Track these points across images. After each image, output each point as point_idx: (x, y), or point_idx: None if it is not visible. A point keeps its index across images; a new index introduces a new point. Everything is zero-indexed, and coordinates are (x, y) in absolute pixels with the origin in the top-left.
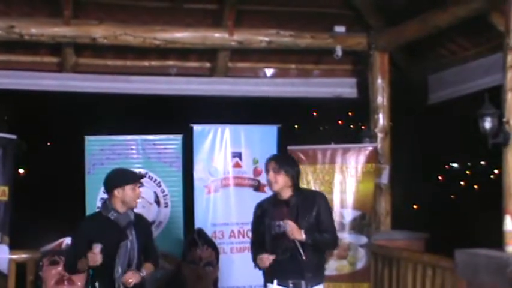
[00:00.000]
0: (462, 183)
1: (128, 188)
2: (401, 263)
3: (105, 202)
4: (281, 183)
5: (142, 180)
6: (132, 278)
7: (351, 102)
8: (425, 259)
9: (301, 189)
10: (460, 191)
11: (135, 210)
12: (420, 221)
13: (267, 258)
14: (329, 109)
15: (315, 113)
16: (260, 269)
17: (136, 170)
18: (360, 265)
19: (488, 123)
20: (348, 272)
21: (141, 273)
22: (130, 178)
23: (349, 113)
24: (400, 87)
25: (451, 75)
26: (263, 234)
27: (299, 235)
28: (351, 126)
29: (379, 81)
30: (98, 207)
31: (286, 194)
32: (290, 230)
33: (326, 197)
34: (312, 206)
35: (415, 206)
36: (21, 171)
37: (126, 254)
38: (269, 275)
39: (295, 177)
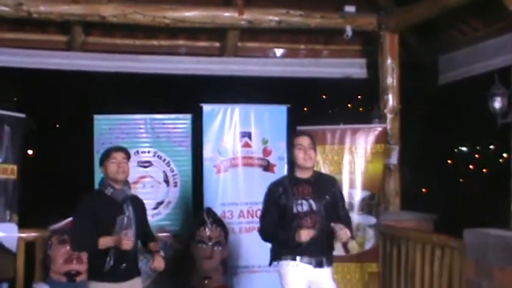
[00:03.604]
0: (471, 166)
1: (108, 164)
2: (410, 243)
3: (102, 179)
4: (314, 159)
5: (151, 160)
6: (161, 264)
7: (360, 84)
8: (434, 239)
9: (317, 171)
10: (468, 174)
11: (144, 189)
12: (429, 203)
13: (308, 233)
14: (339, 92)
15: (324, 96)
16: (278, 247)
17: (145, 149)
18: (368, 245)
19: (498, 103)
20: (357, 252)
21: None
22: (106, 154)
23: (359, 96)
24: (410, 67)
25: (462, 56)
26: (284, 214)
27: (347, 235)
28: (361, 109)
29: (389, 61)
30: None
31: (309, 173)
32: (342, 233)
33: (339, 183)
34: (329, 188)
35: (423, 190)
36: (30, 152)
37: (122, 228)
38: (290, 252)
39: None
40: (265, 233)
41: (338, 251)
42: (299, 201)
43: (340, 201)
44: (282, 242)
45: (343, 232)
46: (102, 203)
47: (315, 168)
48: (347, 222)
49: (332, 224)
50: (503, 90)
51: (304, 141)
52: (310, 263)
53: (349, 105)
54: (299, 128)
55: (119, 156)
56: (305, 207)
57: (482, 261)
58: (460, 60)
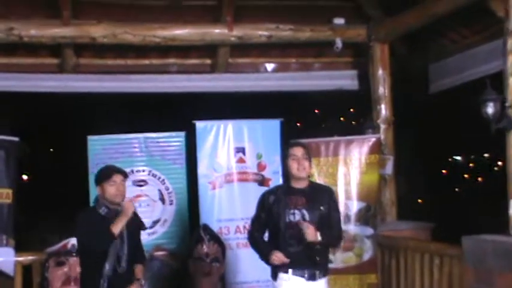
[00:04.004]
0: (466, 175)
1: (106, 185)
2: (408, 252)
3: (96, 198)
4: (308, 170)
5: (147, 179)
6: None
7: (352, 97)
8: (432, 248)
9: (313, 182)
10: (463, 183)
11: (140, 208)
12: (425, 213)
13: (279, 258)
14: (331, 106)
15: (316, 110)
16: (269, 264)
17: (140, 168)
18: (366, 256)
19: (490, 109)
20: (355, 263)
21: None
22: (105, 174)
23: (351, 109)
24: (401, 77)
25: (452, 64)
26: (275, 223)
27: (315, 237)
28: (353, 122)
29: (380, 72)
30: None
31: (304, 183)
32: (308, 233)
33: (335, 194)
34: (324, 199)
35: (419, 200)
36: (25, 177)
37: (115, 250)
38: (282, 265)
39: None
40: (252, 239)
41: (336, 263)
42: (291, 211)
43: (334, 212)
44: (261, 255)
45: (309, 231)
46: (95, 223)
47: (311, 179)
48: (332, 232)
49: (299, 222)
50: (495, 95)
51: (298, 151)
52: (302, 276)
53: (341, 118)
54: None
55: (118, 178)
56: (297, 217)
57: (482, 268)
58: (451, 68)
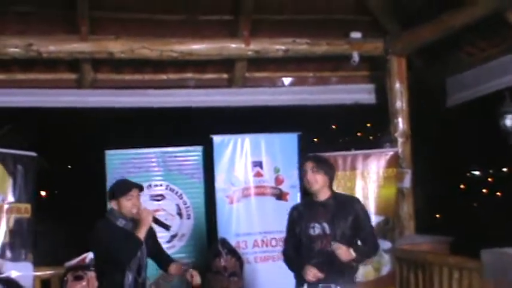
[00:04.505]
0: (484, 190)
1: (122, 200)
2: (427, 266)
3: (111, 210)
4: (321, 182)
5: (164, 193)
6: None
7: (369, 112)
8: (450, 261)
9: (338, 193)
10: (482, 198)
11: None
12: (442, 228)
13: (314, 274)
14: (348, 121)
15: (334, 126)
16: (296, 273)
17: (158, 183)
18: (385, 270)
19: (509, 121)
20: (374, 278)
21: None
22: (123, 189)
23: (368, 124)
24: (419, 91)
25: (469, 77)
26: (299, 237)
27: (349, 256)
28: (370, 137)
29: (398, 85)
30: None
31: (324, 195)
32: (340, 253)
33: (362, 203)
34: (349, 212)
35: (437, 215)
36: (43, 193)
37: (136, 261)
38: (300, 277)
39: (332, 179)
40: (286, 257)
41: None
42: (311, 224)
43: (363, 221)
44: (295, 271)
45: (341, 251)
46: (117, 232)
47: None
48: (367, 243)
49: (332, 243)
50: None
51: (307, 166)
52: None
53: (358, 133)
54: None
55: (135, 193)
56: (317, 231)
57: (502, 281)
58: (468, 81)
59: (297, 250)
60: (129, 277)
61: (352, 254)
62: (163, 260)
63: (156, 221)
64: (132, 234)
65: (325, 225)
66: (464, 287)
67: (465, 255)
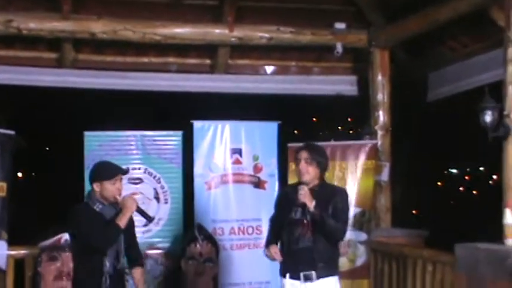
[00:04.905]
0: (461, 188)
1: (106, 183)
2: (401, 259)
3: (89, 193)
4: (312, 174)
5: (142, 177)
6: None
7: (350, 105)
8: (425, 254)
9: (327, 182)
10: (459, 195)
11: None
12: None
13: (276, 253)
14: (329, 114)
15: (314, 119)
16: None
17: (136, 166)
18: (359, 262)
19: (488, 117)
20: (348, 268)
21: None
22: (108, 173)
23: (349, 119)
24: (401, 84)
25: (451, 72)
26: (282, 219)
27: (309, 202)
28: (351, 131)
29: (380, 78)
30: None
31: (313, 182)
32: (303, 194)
33: (347, 195)
34: (330, 199)
35: (414, 212)
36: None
37: (114, 247)
38: (282, 267)
39: (325, 169)
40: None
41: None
42: (295, 208)
43: (340, 209)
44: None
45: (303, 192)
46: (94, 219)
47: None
48: (338, 220)
49: (299, 186)
50: (493, 103)
51: (302, 155)
52: (298, 278)
53: (339, 127)
54: (290, 144)
55: (119, 177)
56: (298, 215)
57: (474, 275)
58: (450, 76)
59: (278, 237)
60: (107, 264)
61: (313, 203)
62: (132, 256)
63: (140, 210)
64: (113, 222)
65: (307, 210)
66: (437, 280)
67: (439, 249)
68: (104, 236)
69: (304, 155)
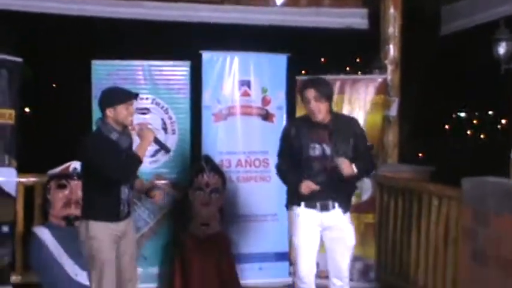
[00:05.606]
0: (469, 132)
1: (120, 107)
2: (407, 193)
3: (103, 121)
4: (324, 111)
5: (150, 107)
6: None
7: (359, 44)
8: (431, 188)
9: (336, 113)
10: (466, 139)
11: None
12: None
13: (308, 186)
14: (337, 54)
15: (323, 59)
16: (294, 192)
17: (144, 96)
18: (365, 196)
19: (502, 49)
20: (354, 203)
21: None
22: (122, 97)
23: (357, 60)
24: (413, 18)
25: (465, 5)
26: (297, 157)
27: (352, 170)
28: (359, 72)
29: (392, 10)
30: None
31: (326, 118)
32: (344, 167)
33: (359, 122)
34: (349, 131)
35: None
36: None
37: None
38: (296, 197)
39: (332, 101)
40: (280, 172)
41: None
42: (312, 145)
43: (360, 141)
44: (290, 186)
45: (345, 166)
46: (111, 149)
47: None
48: (365, 161)
49: (335, 159)
50: (508, 35)
51: (309, 93)
52: (314, 207)
53: (347, 68)
54: (298, 77)
55: (132, 101)
56: (317, 152)
57: (480, 209)
58: (463, 10)
59: (293, 165)
60: (126, 191)
61: (355, 169)
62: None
63: (157, 141)
64: (133, 154)
65: (325, 146)
66: (443, 214)
67: (445, 184)
68: (125, 168)
69: (312, 93)
